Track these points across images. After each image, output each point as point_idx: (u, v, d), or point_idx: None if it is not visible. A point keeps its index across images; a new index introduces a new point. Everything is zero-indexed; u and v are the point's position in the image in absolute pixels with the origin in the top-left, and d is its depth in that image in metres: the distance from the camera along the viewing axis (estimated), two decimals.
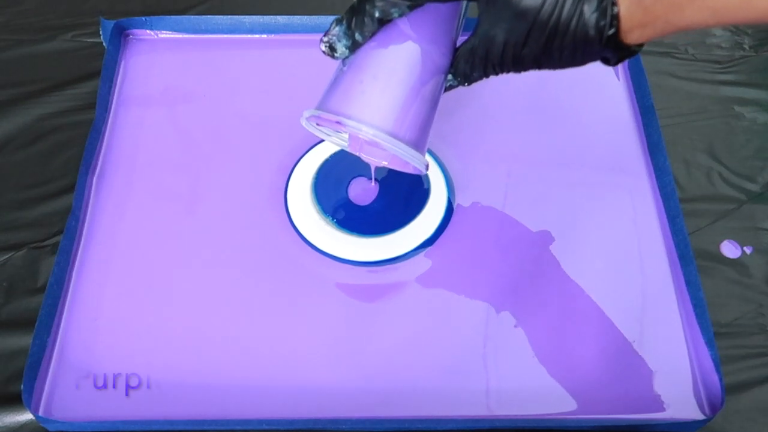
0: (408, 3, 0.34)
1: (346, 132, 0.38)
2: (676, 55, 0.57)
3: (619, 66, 0.56)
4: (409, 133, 0.36)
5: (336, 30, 0.36)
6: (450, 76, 0.38)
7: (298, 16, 0.57)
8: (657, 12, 0.30)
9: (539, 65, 0.34)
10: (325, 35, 0.36)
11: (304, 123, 0.39)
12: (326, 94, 0.38)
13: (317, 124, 0.40)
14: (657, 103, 0.52)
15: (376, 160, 0.43)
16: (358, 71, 0.36)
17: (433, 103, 0.38)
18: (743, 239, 0.47)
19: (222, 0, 0.61)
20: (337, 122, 0.36)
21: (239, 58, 0.57)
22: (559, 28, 0.31)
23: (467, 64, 0.36)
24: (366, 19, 0.35)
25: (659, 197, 0.49)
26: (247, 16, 0.57)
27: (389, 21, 0.35)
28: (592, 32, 0.31)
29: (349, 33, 0.36)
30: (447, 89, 0.39)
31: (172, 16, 0.57)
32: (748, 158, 0.52)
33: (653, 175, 0.50)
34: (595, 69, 0.58)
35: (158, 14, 0.57)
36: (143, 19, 0.57)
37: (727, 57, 0.57)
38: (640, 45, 0.33)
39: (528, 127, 0.53)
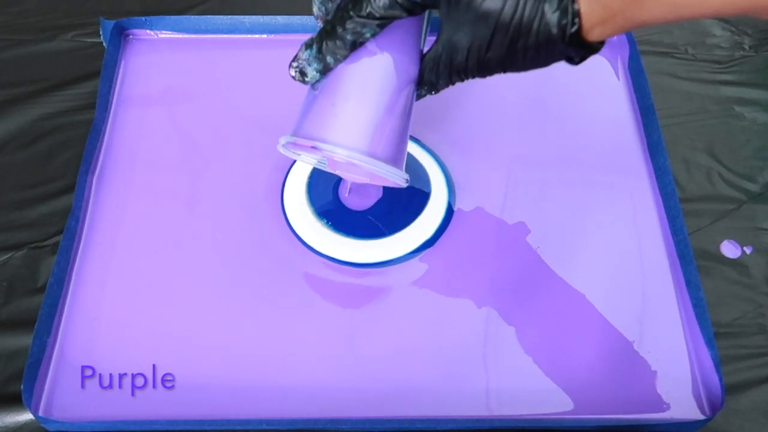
0: (377, 22, 0.34)
1: (323, 155, 0.38)
2: (676, 55, 0.57)
3: (619, 66, 0.56)
4: (385, 150, 0.37)
5: (306, 54, 0.35)
6: (423, 92, 0.38)
7: (298, 16, 0.57)
8: (616, 8, 0.30)
9: (504, 68, 0.34)
10: (294, 60, 0.36)
11: (281, 149, 0.39)
12: (300, 119, 0.38)
13: (294, 150, 0.40)
14: (657, 103, 0.52)
15: (357, 177, 0.43)
16: (330, 94, 0.36)
17: (407, 116, 0.38)
18: (743, 239, 0.47)
19: (222, 0, 0.61)
20: (313, 147, 0.36)
21: (239, 58, 0.57)
22: (522, 29, 0.31)
23: (432, 73, 0.36)
24: (338, 43, 0.34)
25: (659, 197, 0.49)
26: (247, 16, 0.57)
27: (361, 43, 0.35)
28: (554, 31, 0.31)
29: (320, 57, 0.35)
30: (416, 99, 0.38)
31: (172, 16, 0.57)
32: (748, 158, 0.52)
33: (653, 175, 0.50)
34: (595, 69, 0.58)
35: (158, 14, 0.57)
36: (143, 19, 0.57)
37: (727, 57, 0.57)
38: (602, 43, 0.33)
39: (528, 128, 0.53)
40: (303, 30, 0.57)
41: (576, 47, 0.32)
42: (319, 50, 0.35)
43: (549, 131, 0.52)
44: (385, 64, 0.36)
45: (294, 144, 0.37)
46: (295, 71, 0.36)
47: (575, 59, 0.33)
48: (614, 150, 0.52)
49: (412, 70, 0.37)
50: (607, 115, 0.54)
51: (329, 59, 0.35)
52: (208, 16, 0.57)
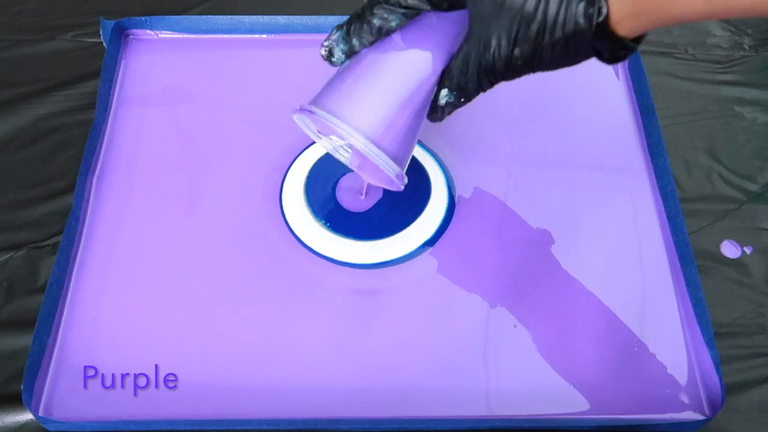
0: (402, 11, 0.35)
1: (315, 119, 0.39)
2: (676, 55, 0.57)
3: (619, 66, 0.56)
4: (379, 133, 0.37)
5: (336, 35, 0.37)
6: (445, 92, 0.37)
7: (298, 16, 0.57)
8: (648, 0, 0.30)
9: (532, 66, 0.34)
10: (325, 40, 0.37)
11: (295, 118, 0.40)
12: (317, 93, 0.39)
13: (300, 117, 0.41)
14: (657, 103, 0.52)
15: (352, 161, 0.43)
16: (345, 73, 0.38)
17: (413, 112, 0.38)
18: (743, 239, 0.47)
19: (222, 0, 0.61)
20: (310, 111, 0.37)
21: (239, 58, 0.57)
22: (548, 22, 0.31)
23: (461, 75, 0.36)
24: (365, 26, 0.36)
25: (659, 197, 0.49)
26: (247, 16, 0.57)
27: (387, 30, 0.36)
28: (581, 20, 0.31)
29: (347, 39, 0.36)
30: (448, 109, 0.38)
31: (172, 16, 0.57)
32: (748, 158, 0.52)
33: (653, 175, 0.50)
34: (595, 69, 0.58)
35: (158, 14, 0.57)
36: (143, 19, 0.57)
37: (727, 57, 0.57)
38: (637, 41, 0.33)
39: (528, 127, 0.53)
40: (303, 30, 0.57)
41: (605, 40, 0.32)
42: (347, 32, 0.36)
43: (549, 131, 0.52)
44: (404, 57, 0.37)
45: (300, 110, 0.38)
46: (325, 50, 0.37)
47: (605, 54, 0.33)
48: (614, 150, 0.51)
49: (430, 69, 0.37)
50: (607, 115, 0.53)
51: (355, 42, 0.36)
52: (208, 16, 0.57)
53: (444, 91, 0.37)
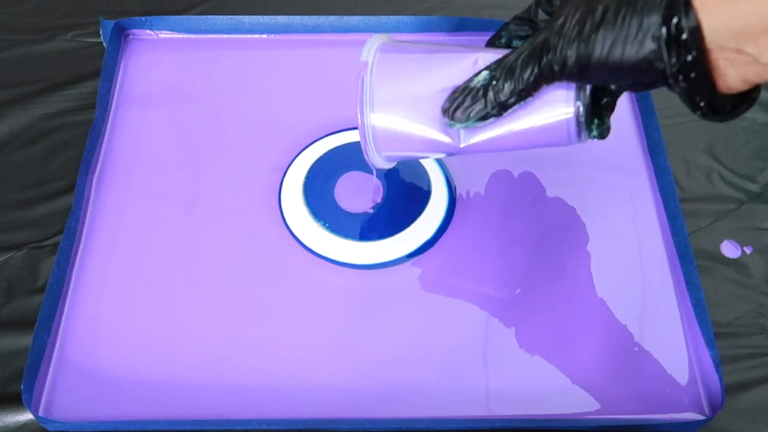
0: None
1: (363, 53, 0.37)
2: None
3: None
4: (386, 105, 0.36)
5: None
6: (485, 73, 0.33)
7: (298, 16, 0.57)
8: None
9: (592, 48, 0.30)
10: None
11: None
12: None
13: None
14: (657, 103, 0.52)
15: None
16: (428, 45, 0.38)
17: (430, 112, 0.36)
18: (743, 239, 0.47)
19: (222, 0, 0.61)
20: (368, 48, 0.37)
21: (239, 58, 0.57)
22: None
23: (513, 54, 0.33)
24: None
25: (659, 197, 0.49)
26: (247, 16, 0.57)
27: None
28: None
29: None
30: (470, 103, 0.34)
31: (172, 16, 0.57)
32: (748, 158, 0.52)
33: (653, 175, 0.50)
34: None
35: (158, 14, 0.57)
36: (143, 19, 0.57)
37: None
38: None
39: None
40: (303, 30, 0.57)
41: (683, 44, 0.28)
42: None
43: None
44: (455, 70, 0.35)
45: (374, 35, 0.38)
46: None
47: (672, 60, 0.28)
48: (614, 150, 0.51)
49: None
50: None
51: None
52: (208, 16, 0.57)
53: (483, 73, 0.33)
